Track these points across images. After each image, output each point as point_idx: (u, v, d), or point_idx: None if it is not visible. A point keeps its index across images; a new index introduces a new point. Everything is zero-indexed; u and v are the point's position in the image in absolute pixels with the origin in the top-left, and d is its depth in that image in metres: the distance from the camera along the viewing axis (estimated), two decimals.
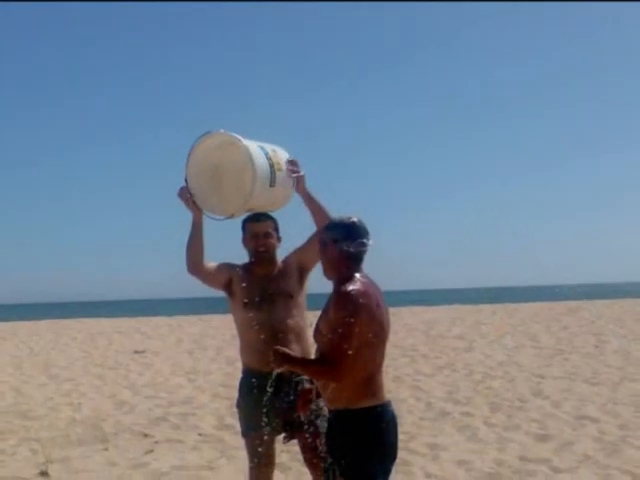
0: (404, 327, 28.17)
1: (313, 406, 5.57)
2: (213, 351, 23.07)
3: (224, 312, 6.81)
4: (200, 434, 11.15)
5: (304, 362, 5.26)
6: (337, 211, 5.58)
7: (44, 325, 42.28)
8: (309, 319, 5.91)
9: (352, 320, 4.65)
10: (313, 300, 6.17)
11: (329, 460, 5.03)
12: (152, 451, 10.24)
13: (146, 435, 11.23)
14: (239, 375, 6.24)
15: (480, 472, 8.58)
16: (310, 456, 5.75)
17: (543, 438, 10.12)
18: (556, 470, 8.57)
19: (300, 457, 6.09)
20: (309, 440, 5.69)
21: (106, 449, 10.44)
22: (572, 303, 47.86)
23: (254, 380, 5.85)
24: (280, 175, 5.99)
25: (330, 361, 4.70)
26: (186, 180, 6.06)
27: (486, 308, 44.58)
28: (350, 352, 4.63)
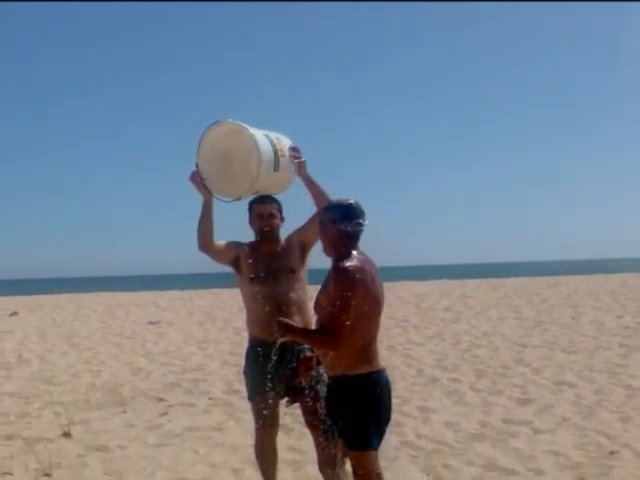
0: (397, 300, 28.15)
1: (314, 373, 5.58)
2: (222, 322, 23.08)
3: (232, 286, 6.78)
4: (210, 398, 11.17)
5: (305, 332, 5.28)
6: (336, 194, 5.59)
7: (66, 298, 42.26)
8: (310, 293, 5.91)
9: (349, 294, 4.67)
10: (314, 275, 6.17)
11: (328, 422, 5.07)
12: (166, 414, 10.27)
13: (161, 399, 11.26)
14: (246, 344, 6.24)
15: (466, 433, 8.60)
16: (311, 418, 5.75)
17: (524, 402, 10.14)
18: (536, 431, 8.59)
19: (302, 419, 6.10)
20: (310, 404, 5.69)
21: (124, 412, 10.48)
22: (551, 278, 47.82)
23: (259, 349, 5.86)
24: (283, 160, 5.99)
25: (329, 331, 4.72)
26: (197, 165, 6.07)
27: (472, 283, 44.56)
28: (347, 323, 4.65)
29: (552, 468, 7.19)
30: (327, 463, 5.48)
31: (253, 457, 6.53)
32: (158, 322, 23.72)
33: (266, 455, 6.27)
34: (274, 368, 5.61)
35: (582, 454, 7.61)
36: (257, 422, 6.13)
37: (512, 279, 49.68)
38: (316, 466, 5.82)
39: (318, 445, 5.66)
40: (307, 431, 6.09)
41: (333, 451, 5.22)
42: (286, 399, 6.03)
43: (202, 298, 37.21)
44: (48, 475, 7.49)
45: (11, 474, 7.59)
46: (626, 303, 24.66)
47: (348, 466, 5.18)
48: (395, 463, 6.92)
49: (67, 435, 9.07)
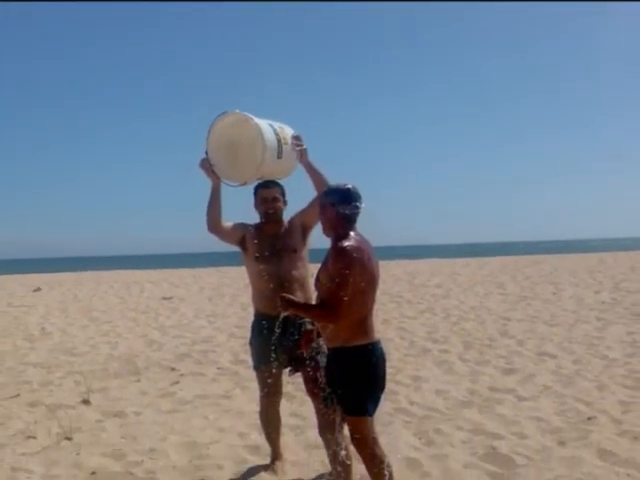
0: (391, 277, 28.16)
1: (314, 344, 5.58)
2: (229, 298, 23.08)
3: (239, 265, 6.76)
4: (218, 368, 11.18)
5: (307, 307, 5.27)
6: (334, 179, 5.57)
7: (86, 276, 42.35)
8: (311, 271, 5.90)
9: (347, 271, 4.67)
10: (314, 254, 6.14)
11: (328, 390, 5.07)
12: (178, 382, 10.28)
13: (173, 369, 11.28)
14: (251, 318, 6.25)
15: (455, 400, 8.61)
16: (312, 387, 5.74)
17: (509, 371, 10.14)
18: (520, 398, 8.59)
19: (303, 387, 6.08)
20: (310, 373, 5.69)
21: (138, 380, 10.50)
22: (534, 257, 47.94)
23: (264, 322, 5.86)
24: (286, 148, 5.98)
25: (329, 306, 4.71)
26: (206, 153, 6.07)
27: (460, 261, 44.60)
28: (345, 298, 4.65)
29: (535, 432, 7.20)
30: (327, 428, 5.47)
31: (258, 422, 6.60)
32: (171, 297, 23.75)
33: (270, 421, 6.31)
34: (277, 340, 5.60)
35: (562, 419, 7.62)
36: (262, 390, 6.16)
37: (498, 258, 49.75)
38: (316, 430, 5.79)
39: (318, 411, 5.64)
40: (308, 398, 6.07)
41: (332, 417, 5.20)
42: (289, 369, 6.02)
43: (211, 276, 37.26)
44: (69, 439, 7.51)
45: (35, 438, 7.63)
46: (603, 280, 24.62)
47: (346, 431, 5.19)
48: (389, 428, 6.92)
49: (86, 402, 9.09)
